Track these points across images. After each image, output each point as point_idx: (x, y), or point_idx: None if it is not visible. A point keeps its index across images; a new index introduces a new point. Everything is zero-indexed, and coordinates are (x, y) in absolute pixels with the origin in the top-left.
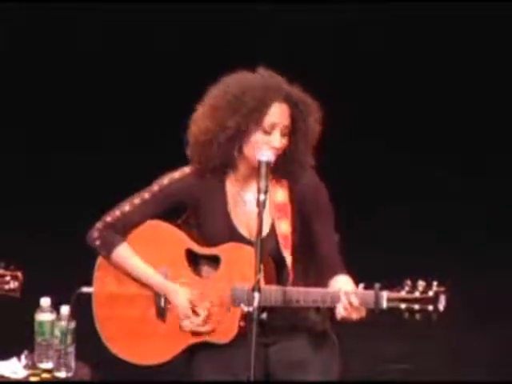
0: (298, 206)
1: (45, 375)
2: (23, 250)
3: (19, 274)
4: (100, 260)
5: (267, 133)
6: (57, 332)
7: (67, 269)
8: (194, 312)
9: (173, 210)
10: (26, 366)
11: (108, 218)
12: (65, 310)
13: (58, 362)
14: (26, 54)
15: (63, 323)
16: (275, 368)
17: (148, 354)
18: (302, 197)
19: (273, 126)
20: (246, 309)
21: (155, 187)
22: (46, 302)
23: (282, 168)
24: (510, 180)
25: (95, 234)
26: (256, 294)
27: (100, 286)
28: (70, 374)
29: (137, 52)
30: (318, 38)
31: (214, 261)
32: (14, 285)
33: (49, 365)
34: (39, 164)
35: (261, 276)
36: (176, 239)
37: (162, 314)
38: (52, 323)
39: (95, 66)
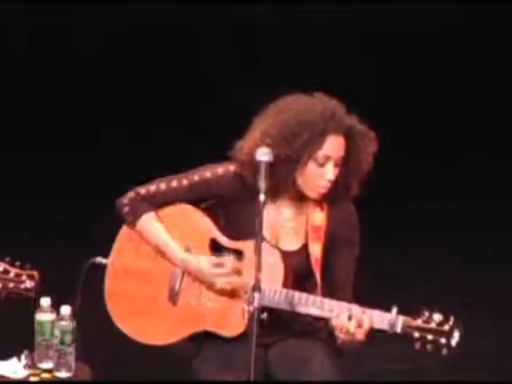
0: (332, 231)
1: (45, 375)
2: (23, 250)
3: (35, 273)
4: (122, 231)
5: (321, 165)
6: (57, 332)
7: (68, 268)
8: (220, 265)
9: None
10: (26, 366)
11: (142, 190)
12: (65, 310)
13: (58, 362)
14: (25, 53)
15: (63, 323)
16: (275, 368)
17: (152, 334)
18: (336, 223)
19: (327, 159)
20: (246, 308)
21: (196, 177)
22: (46, 301)
23: (328, 193)
24: None
25: (125, 200)
26: (256, 294)
27: (117, 258)
28: (69, 374)
29: (138, 52)
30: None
31: (238, 254)
32: (30, 284)
33: (49, 365)
34: (36, 164)
35: (260, 275)
36: (202, 227)
37: (174, 297)
38: (52, 323)
39: (95, 66)
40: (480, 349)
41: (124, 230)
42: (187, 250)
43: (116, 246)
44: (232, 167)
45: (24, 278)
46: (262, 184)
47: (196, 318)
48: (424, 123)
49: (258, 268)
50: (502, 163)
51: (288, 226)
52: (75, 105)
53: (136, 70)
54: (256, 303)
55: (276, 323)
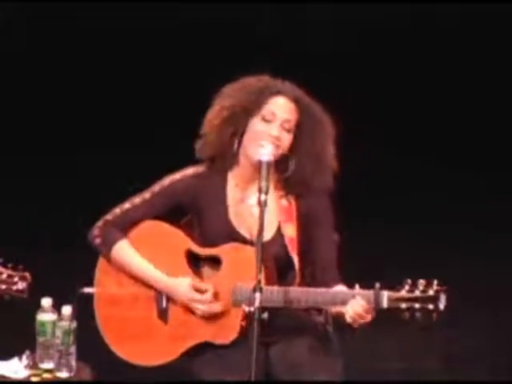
0: (302, 210)
1: (46, 375)
2: (24, 250)
3: (27, 274)
4: (100, 262)
5: (266, 121)
6: (58, 332)
7: (68, 269)
8: (200, 291)
9: (174, 211)
10: (28, 366)
11: (108, 217)
12: (66, 310)
13: (59, 363)
14: (25, 53)
15: (65, 323)
16: (276, 368)
17: (150, 355)
18: (306, 205)
19: (273, 116)
20: (247, 309)
21: (156, 187)
22: (47, 302)
23: (289, 189)
24: None
25: (95, 231)
26: (257, 294)
27: (100, 288)
28: (71, 374)
29: (138, 52)
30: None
31: (215, 262)
32: (21, 286)
33: (50, 365)
34: (36, 164)
35: (262, 276)
36: (176, 240)
37: (163, 315)
38: (53, 323)
39: (95, 66)
40: (480, 348)
41: (102, 261)
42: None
43: (97, 277)
44: (189, 170)
45: (16, 279)
46: (263, 184)
47: (190, 332)
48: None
49: (259, 269)
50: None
51: (256, 212)
52: (75, 105)
53: (136, 70)
54: (257, 303)
55: (275, 322)
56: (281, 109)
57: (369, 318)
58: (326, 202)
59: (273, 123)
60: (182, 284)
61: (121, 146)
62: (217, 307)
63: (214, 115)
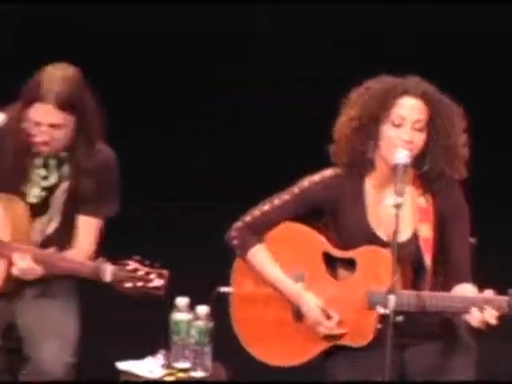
0: (439, 209)
1: (180, 375)
2: (163, 250)
3: (165, 272)
4: (237, 262)
5: (396, 126)
6: (193, 332)
7: (204, 268)
8: (327, 316)
9: (312, 213)
10: (163, 366)
11: (247, 218)
12: (202, 309)
13: (195, 362)
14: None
15: (200, 323)
16: (411, 370)
17: (284, 356)
18: (442, 200)
19: (402, 119)
20: (381, 311)
21: (295, 189)
22: (182, 301)
23: (426, 185)
24: None
25: (233, 233)
26: (392, 297)
27: (237, 289)
28: (206, 374)
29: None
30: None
31: (351, 264)
32: (158, 283)
33: (185, 365)
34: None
35: (397, 278)
36: (313, 242)
37: (298, 316)
38: (188, 323)
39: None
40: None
41: (238, 261)
42: (298, 277)
43: (234, 277)
44: (327, 172)
45: (153, 276)
46: (400, 187)
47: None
48: None
49: (394, 271)
50: None
51: (393, 213)
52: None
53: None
54: (392, 306)
55: (410, 324)
56: (409, 110)
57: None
58: (462, 200)
59: (403, 127)
60: (312, 303)
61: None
62: (338, 331)
63: (343, 125)
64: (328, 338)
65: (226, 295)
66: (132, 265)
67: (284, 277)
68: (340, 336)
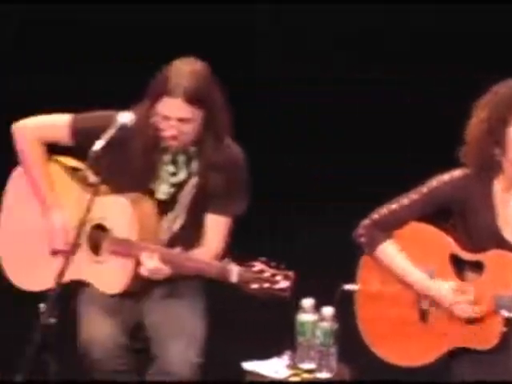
0: None
1: (305, 375)
2: (282, 250)
3: (291, 273)
4: (364, 259)
5: None
6: (318, 333)
7: (330, 269)
8: (462, 292)
9: (440, 213)
10: (289, 366)
11: (375, 216)
12: (327, 311)
13: (320, 363)
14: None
15: (325, 324)
16: None
17: (408, 356)
18: None
19: None
20: (506, 315)
21: (424, 188)
22: (308, 302)
23: None
24: None
25: (361, 230)
26: None
27: (363, 286)
28: (331, 375)
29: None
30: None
31: (478, 266)
32: (284, 284)
33: (310, 365)
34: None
35: None
36: (441, 243)
37: (424, 316)
38: (314, 324)
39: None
40: None
41: (365, 258)
42: (429, 275)
43: (360, 274)
44: (457, 172)
45: (279, 278)
46: None
47: (449, 335)
48: None
49: None
50: None
51: None
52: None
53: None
54: None
55: None
56: None
57: None
58: None
59: None
60: (444, 287)
61: None
62: (478, 309)
63: (474, 127)
64: (451, 339)
65: (350, 294)
66: (258, 266)
67: (415, 269)
68: (463, 339)
